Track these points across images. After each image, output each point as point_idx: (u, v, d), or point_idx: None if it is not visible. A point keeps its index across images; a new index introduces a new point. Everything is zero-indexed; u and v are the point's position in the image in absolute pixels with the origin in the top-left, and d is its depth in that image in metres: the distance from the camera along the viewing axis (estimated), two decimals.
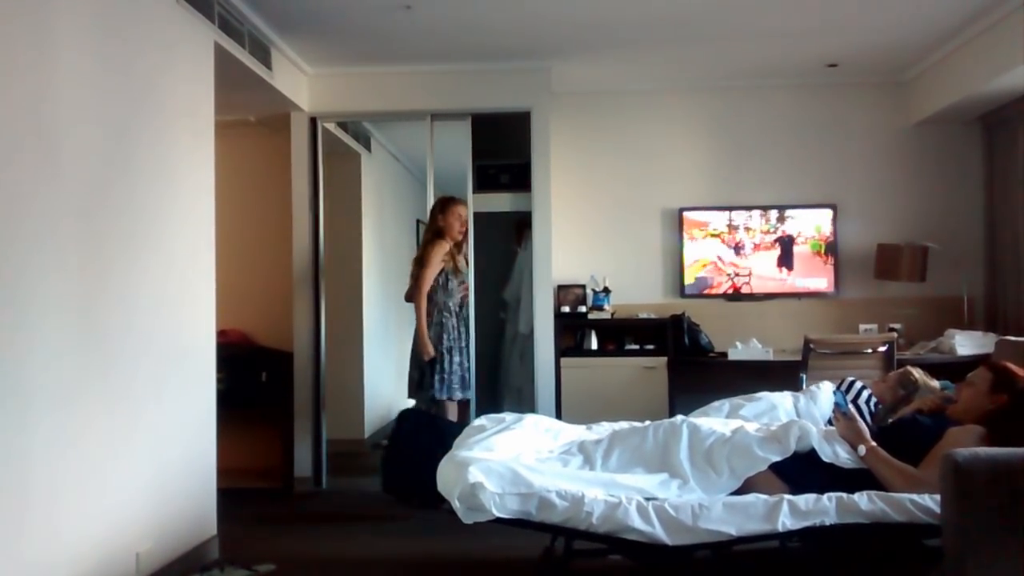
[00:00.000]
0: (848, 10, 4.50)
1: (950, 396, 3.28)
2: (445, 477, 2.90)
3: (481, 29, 4.75)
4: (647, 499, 2.78)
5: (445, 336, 4.83)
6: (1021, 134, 5.13)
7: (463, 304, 5.01)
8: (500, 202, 5.59)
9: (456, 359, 4.84)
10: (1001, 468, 2.31)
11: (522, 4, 4.38)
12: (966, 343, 5.03)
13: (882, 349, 4.71)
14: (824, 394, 3.68)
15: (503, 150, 5.60)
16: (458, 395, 4.85)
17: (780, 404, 3.59)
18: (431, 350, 4.77)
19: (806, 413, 3.54)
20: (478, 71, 5.37)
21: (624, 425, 3.58)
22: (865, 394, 3.66)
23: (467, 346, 5.00)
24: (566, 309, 5.61)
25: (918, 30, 4.84)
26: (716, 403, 3.71)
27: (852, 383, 3.74)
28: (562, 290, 5.65)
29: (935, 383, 3.59)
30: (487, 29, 4.75)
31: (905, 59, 5.38)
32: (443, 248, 4.85)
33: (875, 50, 5.18)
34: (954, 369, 4.05)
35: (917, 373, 3.69)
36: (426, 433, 4.66)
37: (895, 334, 4.89)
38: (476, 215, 5.37)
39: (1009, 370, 3.09)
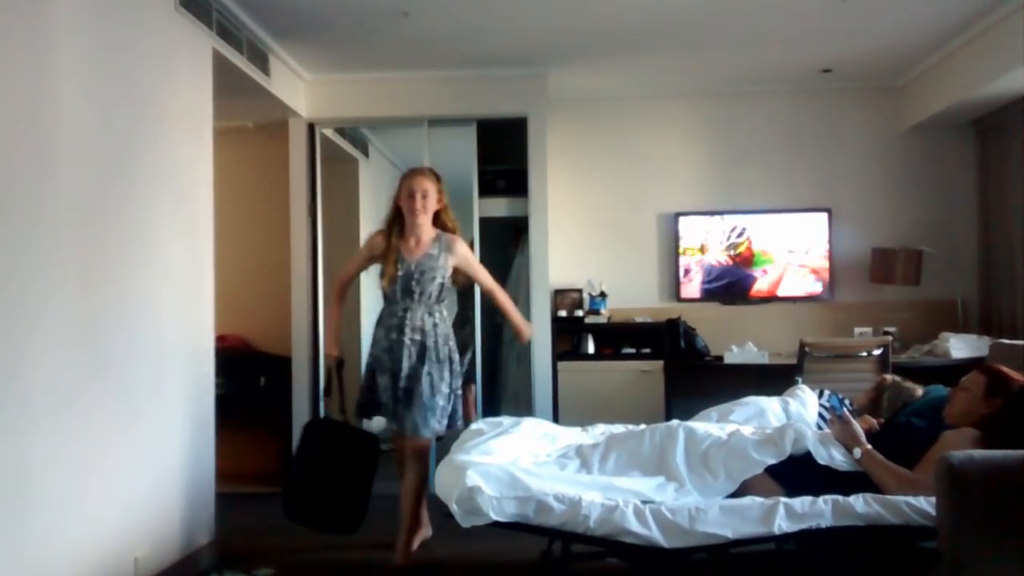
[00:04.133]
0: (842, 16, 4.52)
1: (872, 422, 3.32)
2: (443, 481, 2.91)
3: (478, 36, 4.77)
4: (644, 502, 2.79)
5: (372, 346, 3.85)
6: (1014, 139, 5.15)
7: (408, 307, 3.79)
8: (497, 207, 5.60)
9: (380, 378, 3.74)
10: (996, 471, 2.32)
11: (519, 11, 4.40)
12: (960, 346, 5.05)
13: (877, 352, 4.74)
14: (808, 398, 3.72)
15: (500, 156, 5.61)
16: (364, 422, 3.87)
17: (768, 408, 3.61)
18: (332, 350, 3.91)
19: (797, 416, 3.56)
20: (475, 77, 5.38)
21: (620, 429, 3.59)
22: (834, 399, 3.74)
23: (400, 365, 3.69)
24: (563, 313, 5.62)
25: (911, 35, 4.86)
26: (703, 412, 3.73)
27: (822, 391, 3.81)
28: (559, 294, 5.66)
29: (912, 385, 3.62)
30: (484, 36, 4.77)
31: (899, 64, 5.40)
32: (375, 241, 3.86)
33: (869, 55, 5.21)
34: (948, 372, 4.06)
35: (891, 377, 3.76)
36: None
37: (890, 337, 4.91)
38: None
39: (1003, 373, 3.11)
